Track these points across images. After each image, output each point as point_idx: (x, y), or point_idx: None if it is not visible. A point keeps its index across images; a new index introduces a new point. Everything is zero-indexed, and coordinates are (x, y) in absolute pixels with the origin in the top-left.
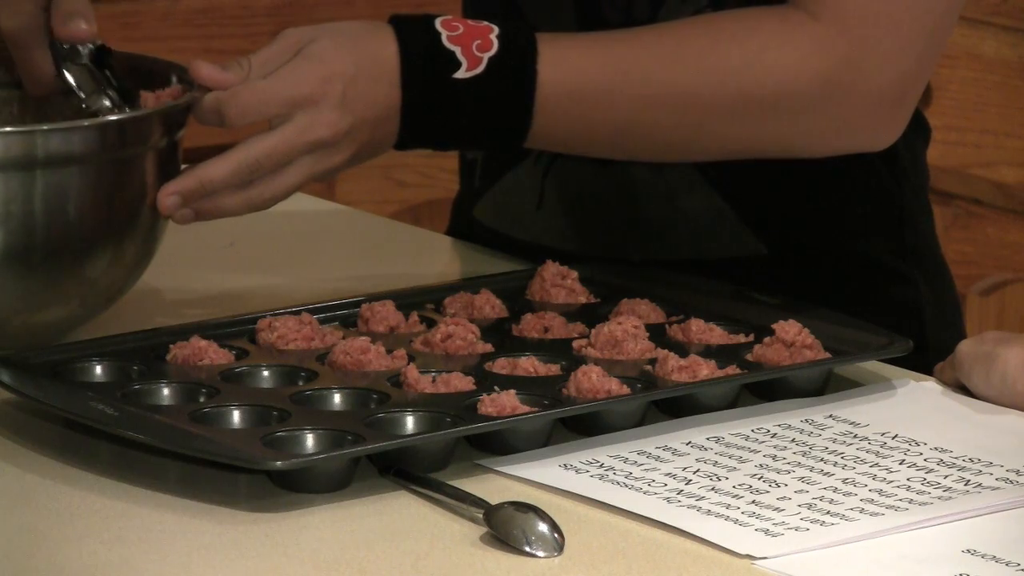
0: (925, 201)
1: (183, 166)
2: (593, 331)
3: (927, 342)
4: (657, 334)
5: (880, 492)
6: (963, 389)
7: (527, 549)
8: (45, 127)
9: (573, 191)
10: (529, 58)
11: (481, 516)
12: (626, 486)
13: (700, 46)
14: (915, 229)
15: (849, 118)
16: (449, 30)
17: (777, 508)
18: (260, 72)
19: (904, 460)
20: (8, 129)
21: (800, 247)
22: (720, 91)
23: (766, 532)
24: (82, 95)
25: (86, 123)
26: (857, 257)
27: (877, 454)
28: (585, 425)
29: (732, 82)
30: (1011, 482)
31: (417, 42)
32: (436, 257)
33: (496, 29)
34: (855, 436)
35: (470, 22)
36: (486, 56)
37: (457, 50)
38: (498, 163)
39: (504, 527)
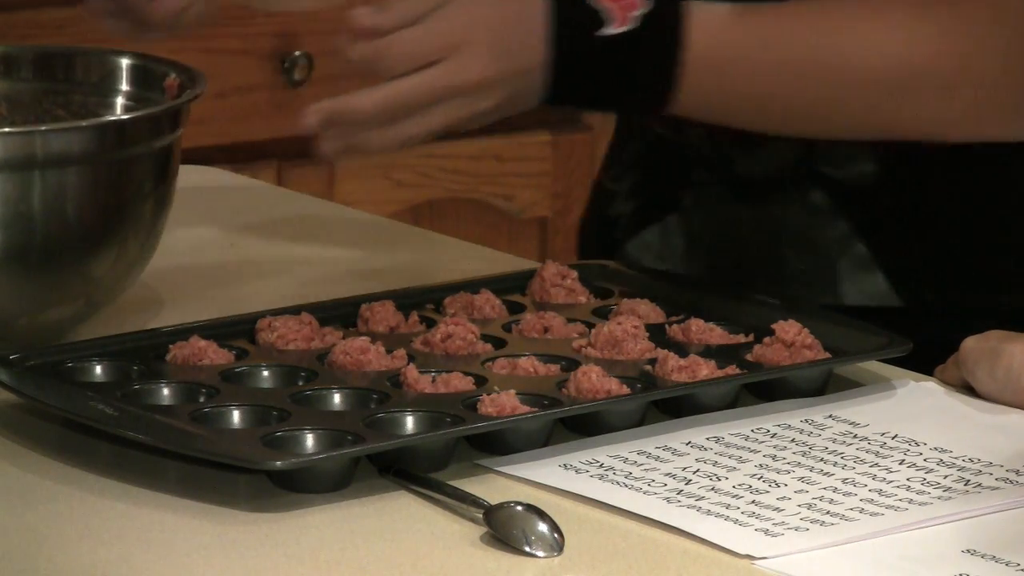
0: None
1: (181, 165)
2: (593, 331)
3: None
4: (657, 334)
5: (880, 492)
6: (967, 389)
7: (527, 549)
8: (44, 127)
9: (718, 236)
10: (677, 18)
11: (481, 516)
12: (626, 486)
13: (841, 19)
14: None
15: (985, 102)
16: None
17: (777, 508)
18: (408, 15)
19: (904, 460)
20: (7, 130)
21: (934, 303)
22: (859, 65)
23: (766, 532)
24: None
25: (85, 123)
26: (994, 312)
27: (877, 454)
28: (585, 425)
29: (872, 57)
30: (1011, 482)
31: None
32: (436, 257)
33: None
34: (855, 436)
35: None
36: (633, 14)
37: (605, 8)
38: (648, 215)
39: (504, 527)
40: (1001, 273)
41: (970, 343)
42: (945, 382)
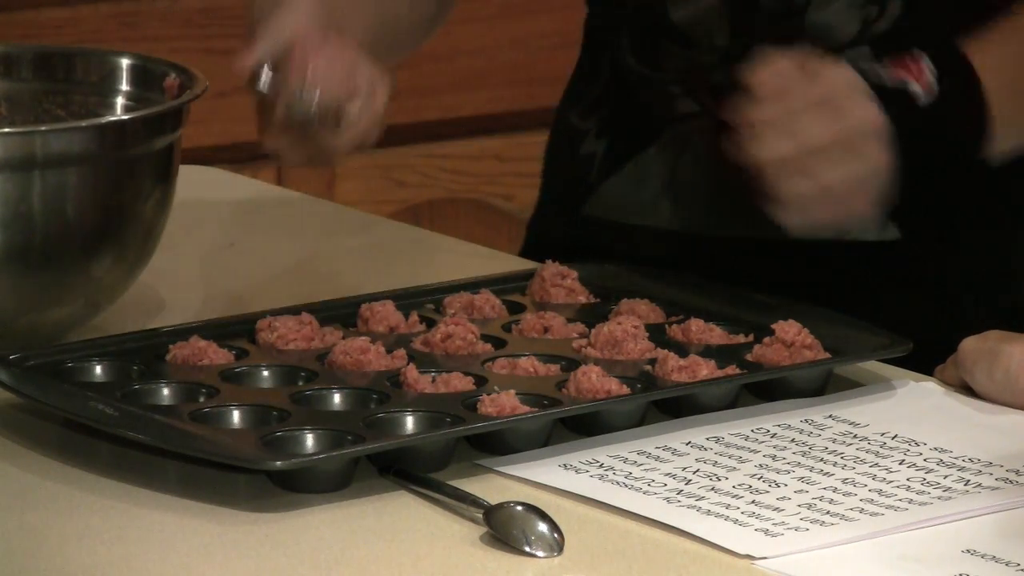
0: None
1: (181, 165)
2: (593, 331)
3: None
4: (657, 334)
5: (880, 492)
6: (966, 389)
7: (527, 549)
8: (44, 128)
9: (702, 175)
10: (965, 64)
11: (481, 516)
12: (626, 486)
13: None
14: None
15: None
16: (887, 67)
17: (777, 508)
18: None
19: (904, 460)
20: (7, 130)
21: (937, 236)
22: None
23: (766, 532)
24: None
25: (85, 123)
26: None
27: (877, 454)
28: (585, 425)
29: None
30: (1011, 482)
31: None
32: (436, 257)
33: (915, 52)
34: (855, 436)
35: (891, 60)
36: (930, 79)
37: (907, 82)
38: (620, 154)
39: (504, 527)
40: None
41: (969, 344)
42: (945, 382)
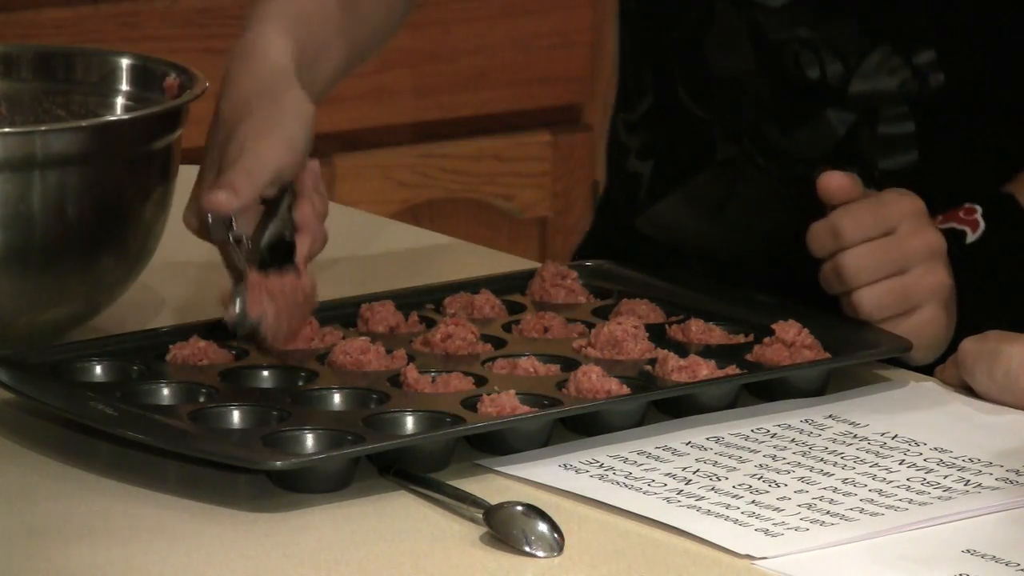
0: None
1: (181, 166)
2: (593, 331)
3: None
4: (657, 334)
5: (880, 492)
6: (966, 389)
7: (527, 549)
8: (44, 128)
9: (754, 206)
10: (1011, 200)
11: (481, 516)
12: (626, 486)
13: None
14: None
15: None
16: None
17: (777, 508)
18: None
19: (904, 460)
20: (7, 130)
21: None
22: None
23: (766, 532)
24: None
25: (85, 123)
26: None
27: (877, 454)
28: (585, 425)
29: None
30: (1011, 482)
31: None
32: (436, 257)
33: (970, 206)
34: (855, 436)
35: (944, 214)
36: (976, 216)
37: (953, 224)
38: (667, 179)
39: (504, 527)
40: None
41: (968, 344)
42: (944, 382)
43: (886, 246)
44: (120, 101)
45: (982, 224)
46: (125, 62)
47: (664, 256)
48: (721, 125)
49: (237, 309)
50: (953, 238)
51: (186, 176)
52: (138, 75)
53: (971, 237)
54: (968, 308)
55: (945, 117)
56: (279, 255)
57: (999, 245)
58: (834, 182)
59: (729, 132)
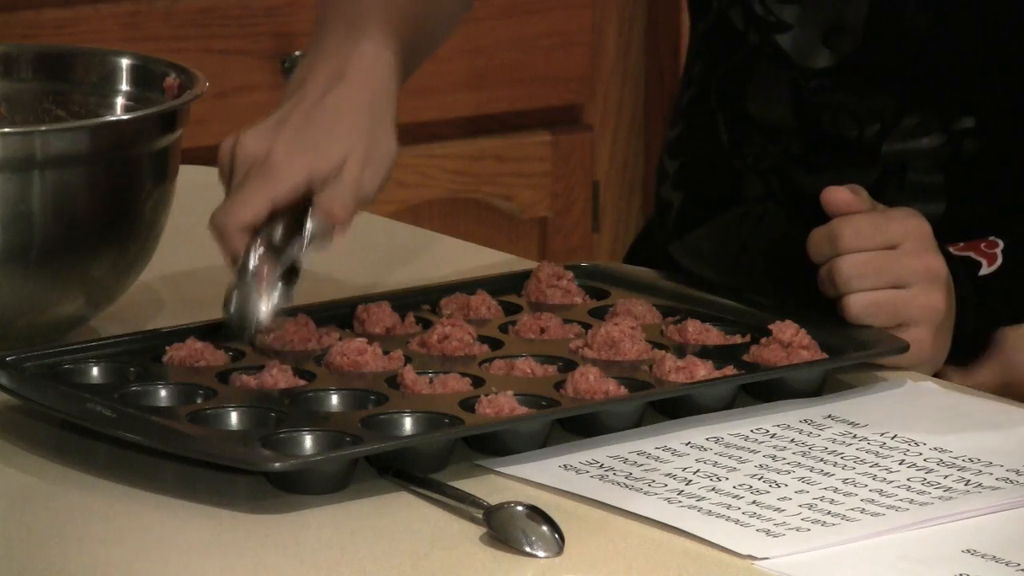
0: None
1: (181, 166)
2: (590, 332)
3: None
4: (654, 335)
5: (880, 492)
6: (966, 389)
7: (527, 549)
8: (44, 128)
9: (775, 249)
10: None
11: (481, 516)
12: (626, 486)
13: None
14: None
15: None
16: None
17: (778, 508)
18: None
19: (904, 460)
20: (7, 130)
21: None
22: None
23: (767, 532)
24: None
25: (85, 123)
26: None
27: (877, 454)
28: (583, 426)
29: None
30: (1011, 482)
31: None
32: (435, 257)
33: (992, 239)
34: (854, 436)
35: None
36: (996, 250)
37: (971, 254)
38: (696, 211)
39: (504, 527)
40: None
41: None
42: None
43: (883, 258)
44: (120, 101)
45: (1000, 259)
46: (125, 62)
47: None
48: (751, 160)
49: (233, 309)
50: (967, 267)
51: (186, 176)
52: (138, 75)
53: (985, 269)
54: (965, 339)
55: (977, 171)
56: (294, 273)
57: (1012, 281)
58: (839, 196)
59: (757, 169)
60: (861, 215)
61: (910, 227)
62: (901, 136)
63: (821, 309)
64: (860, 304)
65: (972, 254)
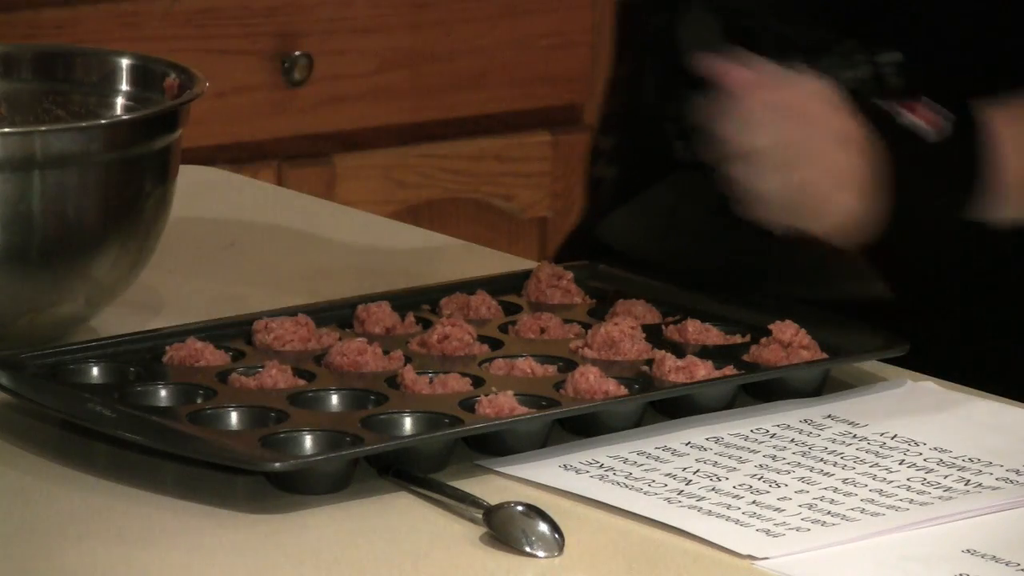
0: None
1: (181, 166)
2: (590, 332)
3: None
4: (654, 335)
5: (880, 492)
6: (965, 389)
7: (527, 549)
8: (44, 128)
9: (704, 220)
10: (980, 112)
11: (481, 516)
12: (626, 486)
13: None
14: None
15: None
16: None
17: (778, 508)
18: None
19: (904, 460)
20: (7, 130)
21: (927, 296)
22: None
23: (767, 532)
24: None
25: (85, 123)
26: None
27: (877, 454)
28: (583, 426)
29: None
30: (1011, 482)
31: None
32: (435, 257)
33: (926, 99)
34: (854, 436)
35: (901, 103)
36: (944, 124)
37: (917, 124)
38: (629, 184)
39: (504, 527)
40: (998, 271)
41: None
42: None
43: (788, 143)
44: (120, 101)
45: (943, 123)
46: (125, 62)
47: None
48: (677, 121)
49: None
50: (901, 130)
51: (186, 176)
52: (138, 75)
53: (932, 135)
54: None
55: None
56: None
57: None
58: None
59: (682, 129)
60: (750, 103)
61: (809, 93)
62: (826, 68)
63: (821, 308)
64: (772, 192)
65: (907, 113)
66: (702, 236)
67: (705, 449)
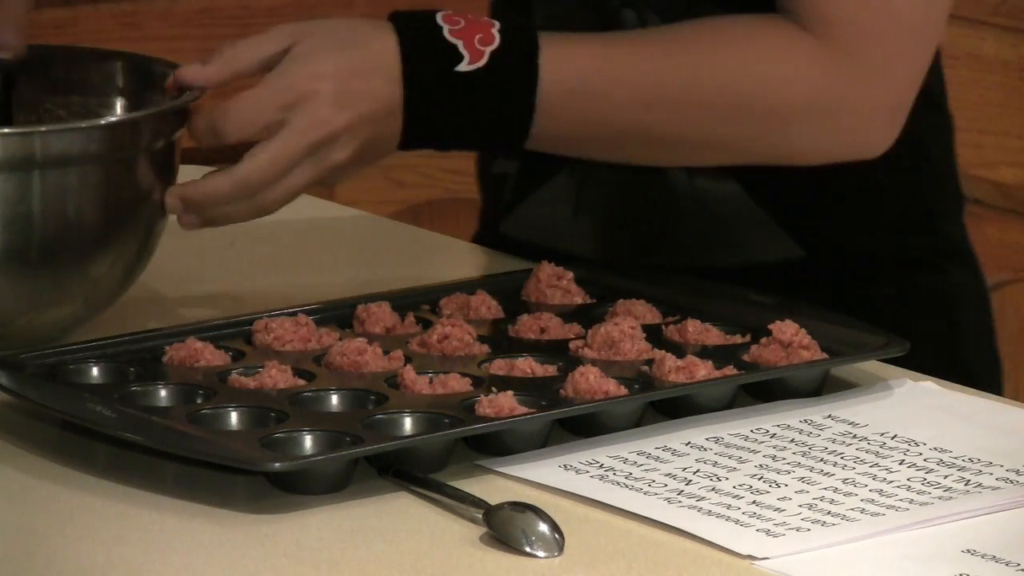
0: (955, 191)
1: (181, 166)
2: (590, 332)
3: (960, 332)
4: (654, 335)
5: (880, 492)
6: (965, 388)
7: (527, 549)
8: (44, 128)
9: (609, 201)
10: (532, 54)
11: (481, 516)
12: (626, 486)
13: (698, 52)
14: (946, 220)
15: (842, 128)
16: (451, 24)
17: (778, 508)
18: (246, 65)
19: (904, 460)
20: (7, 130)
21: (836, 248)
22: (716, 98)
23: (767, 532)
24: None
25: (85, 124)
26: (892, 253)
27: (877, 454)
28: (583, 426)
29: (728, 89)
30: (1011, 482)
31: (418, 36)
32: (435, 258)
33: (498, 24)
34: (854, 436)
35: (471, 17)
36: (488, 50)
37: (459, 43)
38: (532, 176)
39: (504, 527)
40: (901, 216)
41: None
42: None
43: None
44: (120, 101)
45: (486, 59)
46: (125, 62)
47: (529, 259)
48: None
49: None
50: (441, 60)
51: (186, 176)
52: (138, 75)
53: (465, 66)
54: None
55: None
56: None
57: (489, 86)
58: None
59: None
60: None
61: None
62: None
63: (821, 308)
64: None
65: (461, 44)
66: (608, 218)
67: (705, 449)
